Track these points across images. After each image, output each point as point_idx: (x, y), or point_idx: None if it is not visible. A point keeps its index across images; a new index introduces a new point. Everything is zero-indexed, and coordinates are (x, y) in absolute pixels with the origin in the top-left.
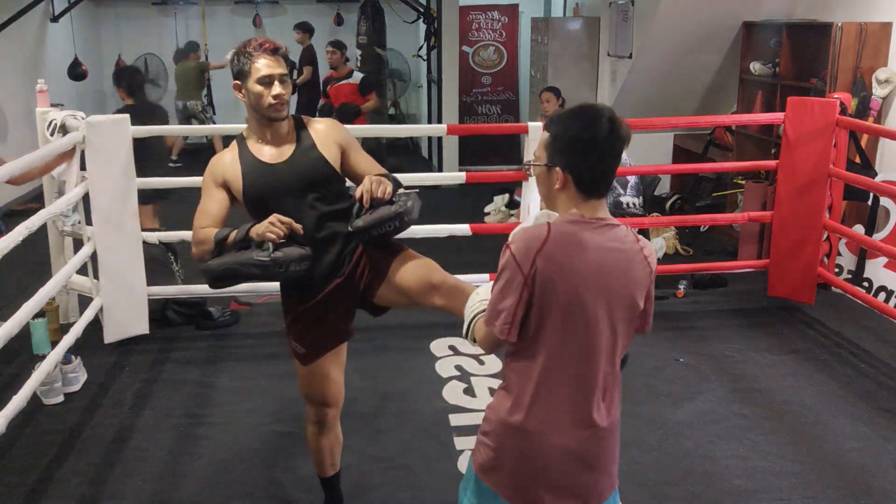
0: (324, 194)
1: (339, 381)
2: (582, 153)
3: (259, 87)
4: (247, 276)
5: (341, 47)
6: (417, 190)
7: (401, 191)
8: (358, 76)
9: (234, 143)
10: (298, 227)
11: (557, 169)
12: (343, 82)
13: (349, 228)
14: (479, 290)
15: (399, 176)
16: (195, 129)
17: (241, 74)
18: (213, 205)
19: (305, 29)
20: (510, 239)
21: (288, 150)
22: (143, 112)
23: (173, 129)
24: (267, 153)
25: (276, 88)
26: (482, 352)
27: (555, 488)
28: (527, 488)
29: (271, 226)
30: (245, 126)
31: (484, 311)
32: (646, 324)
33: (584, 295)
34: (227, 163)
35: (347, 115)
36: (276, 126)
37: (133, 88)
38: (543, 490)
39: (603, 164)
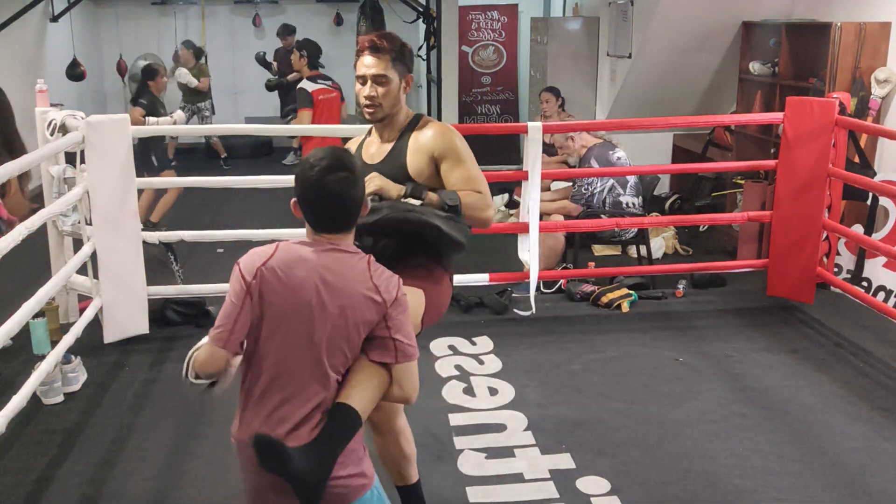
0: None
1: None
2: (300, 191)
3: (357, 86)
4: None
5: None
6: (445, 214)
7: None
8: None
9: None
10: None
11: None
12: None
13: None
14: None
15: None
16: (200, 129)
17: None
18: None
19: (288, 32)
20: (240, 259)
21: (385, 152)
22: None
23: (181, 129)
24: (372, 150)
25: (367, 90)
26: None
27: (281, 493)
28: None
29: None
30: None
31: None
32: (392, 351)
33: (292, 306)
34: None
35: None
36: (380, 123)
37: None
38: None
39: (320, 205)
